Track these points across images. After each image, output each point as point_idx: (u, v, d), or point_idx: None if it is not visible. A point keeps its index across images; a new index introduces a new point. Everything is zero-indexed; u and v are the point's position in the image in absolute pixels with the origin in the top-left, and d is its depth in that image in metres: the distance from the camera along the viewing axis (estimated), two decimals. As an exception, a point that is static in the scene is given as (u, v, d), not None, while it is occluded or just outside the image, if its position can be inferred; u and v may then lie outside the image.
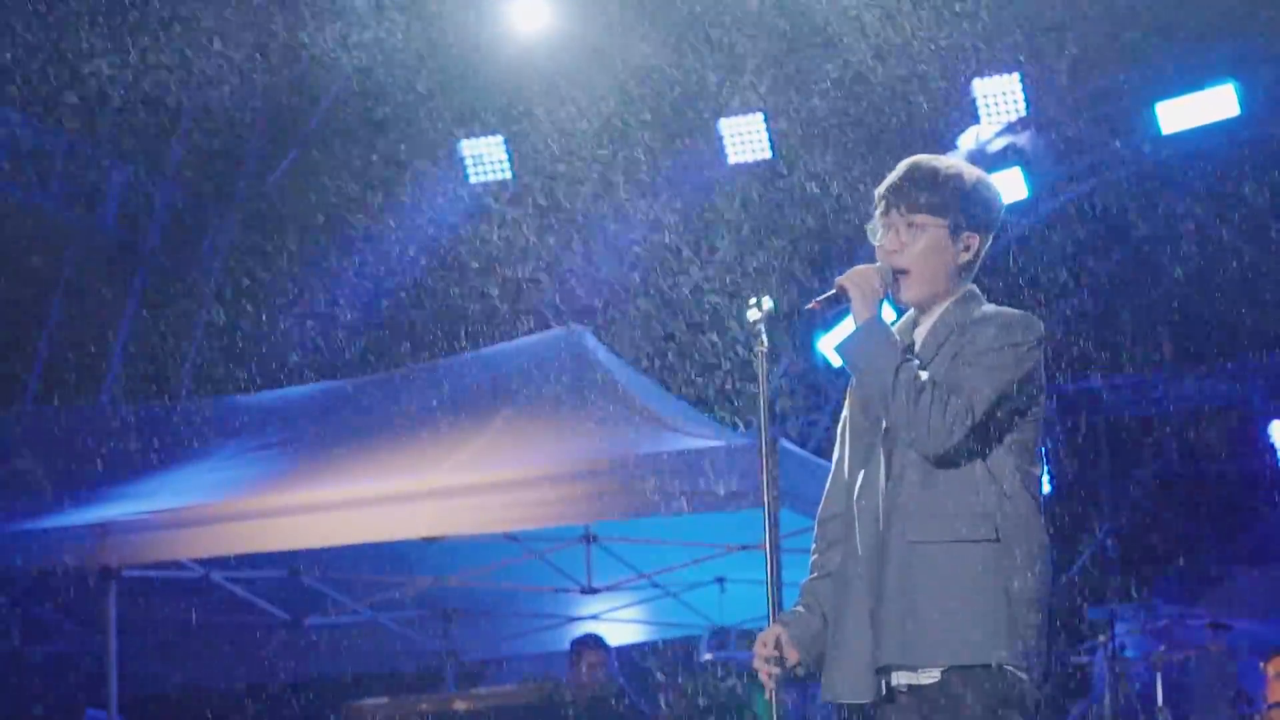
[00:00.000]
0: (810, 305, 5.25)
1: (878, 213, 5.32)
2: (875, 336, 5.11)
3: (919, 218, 5.23)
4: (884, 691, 5.08)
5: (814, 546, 5.40)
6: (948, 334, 5.17)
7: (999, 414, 5.03)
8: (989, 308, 5.24)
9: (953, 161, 5.36)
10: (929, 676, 5.01)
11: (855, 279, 5.18)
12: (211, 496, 10.69)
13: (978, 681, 4.97)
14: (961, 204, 5.26)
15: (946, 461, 5.01)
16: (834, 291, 5.23)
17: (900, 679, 5.06)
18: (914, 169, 5.28)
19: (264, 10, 14.76)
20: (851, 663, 5.12)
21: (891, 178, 5.30)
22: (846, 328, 5.25)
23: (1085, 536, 16.81)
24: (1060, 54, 15.86)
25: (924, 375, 5.04)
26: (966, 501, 5.02)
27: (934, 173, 5.26)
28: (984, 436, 5.01)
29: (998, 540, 5.00)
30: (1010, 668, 4.98)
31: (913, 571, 5.01)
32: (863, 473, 5.20)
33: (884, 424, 5.16)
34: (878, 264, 5.27)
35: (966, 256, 5.28)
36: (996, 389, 5.02)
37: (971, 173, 5.34)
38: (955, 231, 5.25)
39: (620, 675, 13.02)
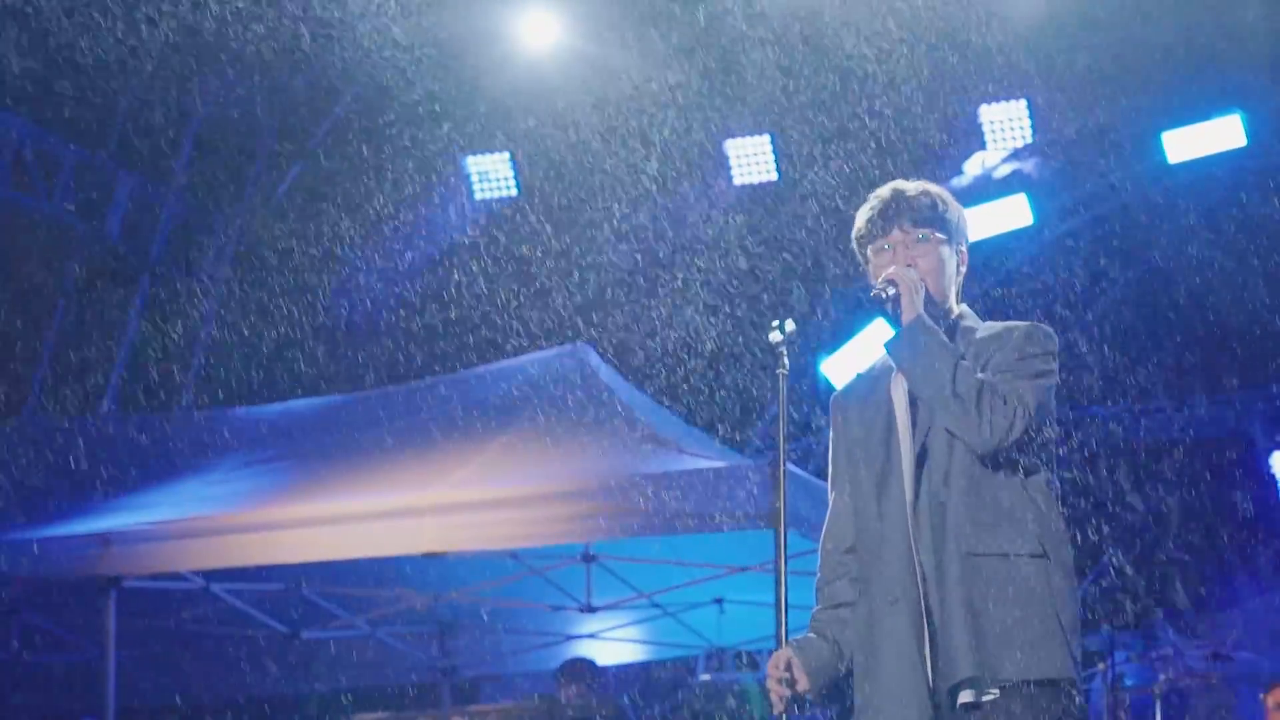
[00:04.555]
0: (875, 293, 5.19)
1: (871, 247, 5.33)
2: (929, 334, 5.10)
3: (924, 231, 5.26)
4: (941, 712, 5.03)
5: (818, 576, 5.39)
6: (963, 349, 5.16)
7: (1041, 418, 5.04)
8: (992, 322, 5.28)
9: (922, 183, 5.40)
10: (989, 694, 4.98)
11: (902, 275, 5.18)
12: (213, 508, 10.68)
13: (1041, 697, 4.97)
14: (953, 218, 5.32)
15: (998, 463, 5.01)
16: (890, 283, 5.19)
17: (963, 697, 5.02)
18: (901, 190, 5.34)
19: (272, 24, 14.76)
20: (901, 686, 5.05)
21: (882, 203, 5.33)
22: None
23: (1085, 564, 16.80)
24: (1068, 82, 15.87)
25: (980, 376, 5.03)
26: (1014, 515, 5.03)
27: (923, 191, 5.34)
28: (1029, 441, 5.02)
29: (1045, 555, 5.01)
30: (1068, 682, 4.99)
31: (975, 587, 4.99)
32: (884, 498, 5.17)
33: (902, 446, 5.14)
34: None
35: (963, 269, 5.34)
36: (1040, 392, 5.05)
37: (942, 189, 5.39)
38: (952, 244, 5.30)
39: (617, 694, 13.02)
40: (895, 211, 5.29)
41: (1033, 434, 5.02)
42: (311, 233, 16.62)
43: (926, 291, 5.21)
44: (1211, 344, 16.99)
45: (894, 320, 5.14)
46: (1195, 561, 17.60)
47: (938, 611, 5.01)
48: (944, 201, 5.34)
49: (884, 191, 5.35)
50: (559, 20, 15.49)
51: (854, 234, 5.40)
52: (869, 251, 5.35)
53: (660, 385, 14.62)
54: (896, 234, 5.29)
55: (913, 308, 5.12)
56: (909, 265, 5.23)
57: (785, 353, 5.32)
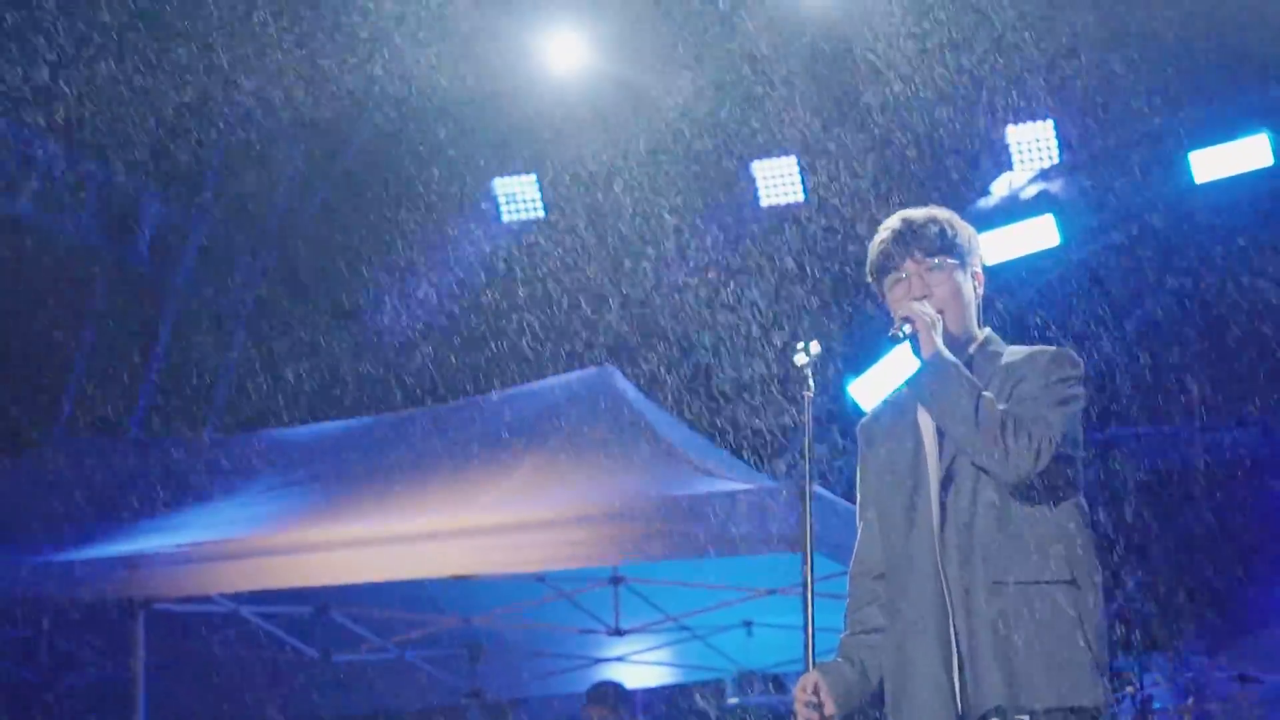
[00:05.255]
0: (892, 333, 5.20)
1: (885, 280, 5.33)
2: (950, 368, 5.10)
3: (936, 259, 5.26)
4: None
5: (848, 602, 5.40)
6: (989, 375, 5.16)
7: (1068, 445, 5.04)
8: (1018, 347, 5.27)
9: (929, 209, 5.40)
10: None
11: (917, 310, 5.18)
12: (242, 531, 10.69)
13: None
14: (963, 240, 5.33)
15: (1026, 492, 5.00)
16: (908, 320, 5.19)
17: None
18: (909, 220, 5.33)
19: (299, 46, 14.81)
20: (930, 713, 5.05)
21: (892, 234, 5.33)
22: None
23: (1114, 586, 16.77)
24: (1094, 102, 15.85)
25: (1001, 406, 5.03)
26: (1042, 541, 5.02)
27: (931, 219, 5.33)
28: (1057, 469, 5.01)
29: (1073, 581, 5.00)
30: (1098, 710, 4.98)
31: (1003, 614, 4.98)
32: (911, 525, 5.17)
33: (929, 472, 5.14)
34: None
35: (980, 290, 5.34)
36: (1066, 418, 5.04)
37: (950, 213, 5.39)
38: (966, 267, 5.31)
39: (645, 718, 13.00)
40: (906, 243, 5.29)
41: (1060, 461, 5.02)
42: (339, 254, 16.65)
43: (948, 319, 5.22)
44: (1241, 365, 16.94)
45: (919, 353, 5.15)
46: (1224, 582, 17.55)
47: (966, 639, 5.00)
48: (952, 226, 5.34)
49: (892, 222, 5.36)
50: (586, 42, 15.49)
51: (867, 268, 5.40)
52: (885, 285, 5.36)
53: (687, 407, 14.61)
54: (909, 265, 5.29)
55: (931, 343, 5.12)
56: (924, 296, 5.24)
57: (810, 375, 5.33)
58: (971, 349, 5.29)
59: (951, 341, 5.21)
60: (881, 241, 5.34)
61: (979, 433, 4.99)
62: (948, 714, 5.00)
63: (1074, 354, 5.22)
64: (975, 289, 5.36)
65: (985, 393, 5.04)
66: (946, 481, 5.13)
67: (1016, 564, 5.00)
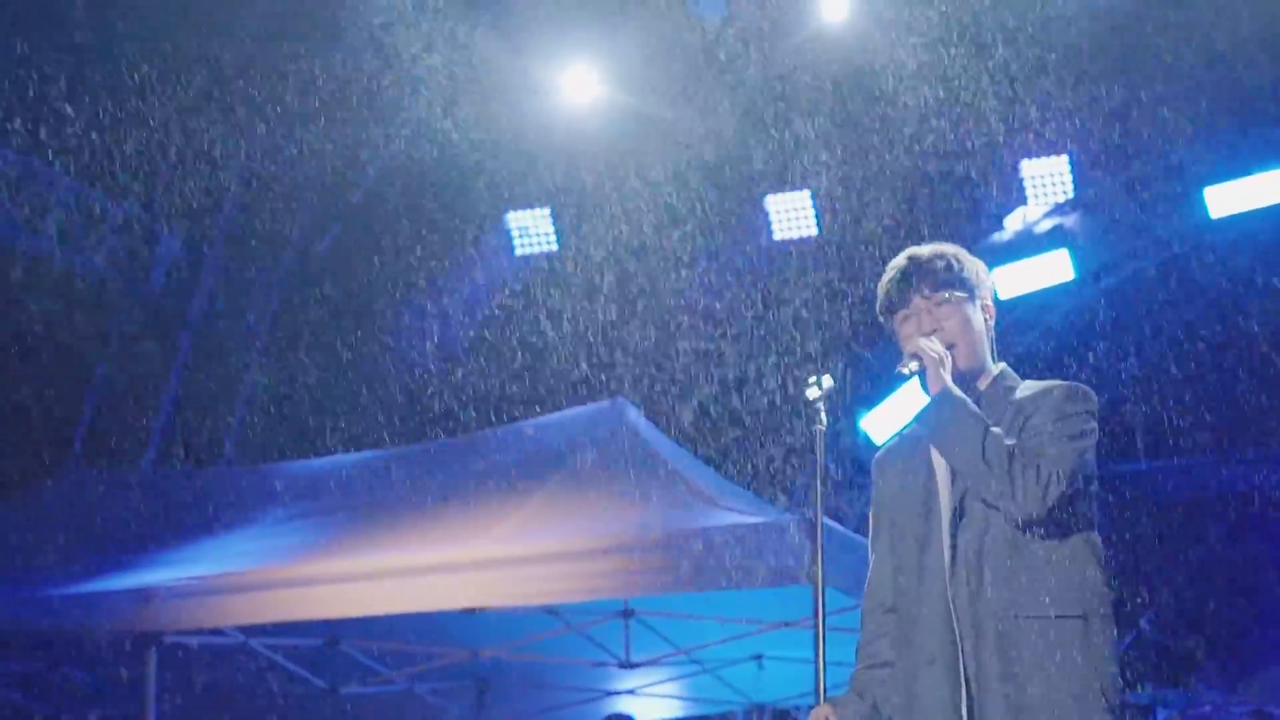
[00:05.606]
0: (902, 368, 5.21)
1: (895, 318, 5.33)
2: (957, 404, 5.10)
3: (943, 293, 5.26)
4: None
5: (860, 636, 5.39)
6: (1002, 409, 5.15)
7: (1079, 480, 5.02)
8: (1031, 381, 5.26)
9: (935, 245, 5.39)
10: None
11: (924, 347, 5.18)
12: (253, 563, 10.68)
13: None
14: (970, 274, 5.33)
15: (1036, 527, 4.98)
16: (914, 357, 5.19)
17: None
18: (916, 257, 5.35)
19: (316, 80, 14.85)
20: None
21: (899, 273, 5.34)
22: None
23: (1127, 621, 16.71)
24: (1109, 137, 15.85)
25: (1010, 442, 5.01)
26: (1052, 576, 5.01)
27: (938, 254, 5.35)
28: (1068, 503, 5.00)
29: (1083, 616, 4.98)
30: None
31: (1012, 650, 4.97)
32: (923, 559, 5.16)
33: (941, 507, 5.13)
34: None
35: (991, 322, 5.34)
36: (1077, 453, 5.03)
37: (956, 248, 5.39)
38: (975, 300, 5.30)
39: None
40: (913, 279, 5.31)
41: (1071, 495, 5.00)
42: (353, 288, 16.66)
43: (960, 353, 5.22)
44: (1256, 399, 16.92)
45: (928, 389, 5.15)
46: (1238, 617, 17.49)
47: (975, 674, 4.99)
48: (959, 260, 5.35)
49: (900, 261, 5.38)
50: (600, 76, 15.50)
51: (878, 306, 5.41)
52: (895, 322, 5.36)
53: (699, 440, 14.60)
54: (918, 301, 5.30)
55: (939, 379, 5.13)
56: (933, 332, 5.24)
57: (822, 409, 5.33)
58: (984, 384, 5.28)
59: (963, 376, 5.21)
60: (889, 279, 5.36)
61: (987, 469, 4.99)
62: None
63: (1087, 389, 5.21)
64: (986, 321, 5.36)
65: (994, 429, 5.04)
66: (958, 516, 5.12)
67: (1027, 599, 4.99)
